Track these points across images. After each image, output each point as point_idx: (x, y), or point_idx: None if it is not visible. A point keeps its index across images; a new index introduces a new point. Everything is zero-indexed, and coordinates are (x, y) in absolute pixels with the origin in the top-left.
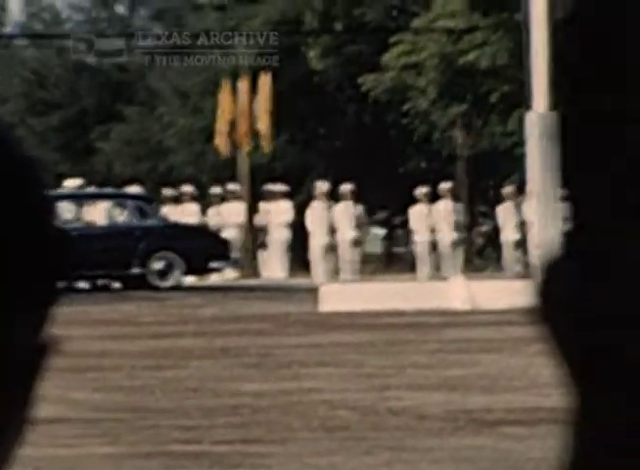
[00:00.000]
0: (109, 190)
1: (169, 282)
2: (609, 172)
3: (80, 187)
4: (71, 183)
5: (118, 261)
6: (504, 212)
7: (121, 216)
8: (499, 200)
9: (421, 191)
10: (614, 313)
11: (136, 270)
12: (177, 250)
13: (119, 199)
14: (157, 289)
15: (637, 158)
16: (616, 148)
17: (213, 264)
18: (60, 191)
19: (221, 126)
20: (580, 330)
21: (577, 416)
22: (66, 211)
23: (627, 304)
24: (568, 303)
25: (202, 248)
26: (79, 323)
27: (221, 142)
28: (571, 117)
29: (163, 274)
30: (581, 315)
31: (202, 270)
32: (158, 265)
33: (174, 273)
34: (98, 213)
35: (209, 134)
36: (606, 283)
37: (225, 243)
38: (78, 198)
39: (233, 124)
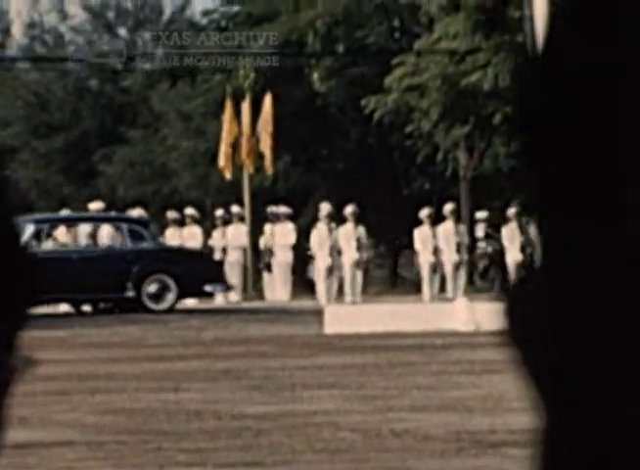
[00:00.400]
0: (104, 213)
1: (163, 305)
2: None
3: (100, 210)
4: (95, 206)
5: (113, 285)
6: (508, 233)
7: (117, 239)
8: (503, 221)
9: (424, 212)
10: (576, 330)
11: (130, 293)
12: (171, 273)
13: (115, 222)
14: (151, 312)
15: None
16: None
17: (207, 288)
18: (54, 215)
19: (224, 149)
20: (544, 346)
21: (546, 436)
22: (61, 234)
23: (588, 319)
24: (532, 320)
25: (196, 271)
26: (81, 346)
27: (225, 164)
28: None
29: (157, 297)
30: (545, 331)
31: (196, 293)
32: (152, 288)
33: (168, 296)
34: (92, 237)
35: (213, 156)
36: (567, 300)
37: (220, 266)
38: (73, 221)
39: (236, 146)
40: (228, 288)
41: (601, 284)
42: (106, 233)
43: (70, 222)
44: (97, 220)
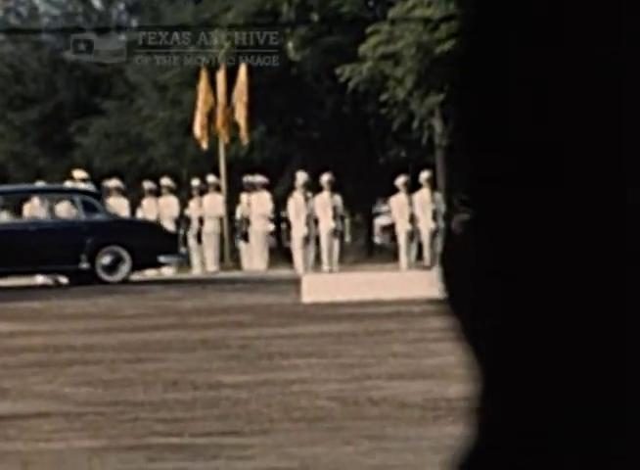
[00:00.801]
0: (58, 185)
1: (117, 277)
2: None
3: (84, 180)
4: (79, 175)
5: (67, 257)
6: None
7: (71, 212)
8: None
9: (400, 180)
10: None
11: (84, 265)
12: (125, 244)
13: (68, 194)
14: (105, 283)
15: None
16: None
17: (162, 259)
18: (5, 187)
19: (200, 119)
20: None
21: (482, 402)
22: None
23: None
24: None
25: (150, 242)
26: (58, 318)
27: (200, 134)
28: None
29: (111, 269)
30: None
31: (150, 265)
32: (105, 260)
33: (122, 268)
34: (45, 209)
35: (189, 127)
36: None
37: (174, 238)
38: (26, 193)
39: (211, 117)
40: (183, 259)
41: (534, 242)
42: (59, 205)
43: (23, 195)
44: (50, 193)
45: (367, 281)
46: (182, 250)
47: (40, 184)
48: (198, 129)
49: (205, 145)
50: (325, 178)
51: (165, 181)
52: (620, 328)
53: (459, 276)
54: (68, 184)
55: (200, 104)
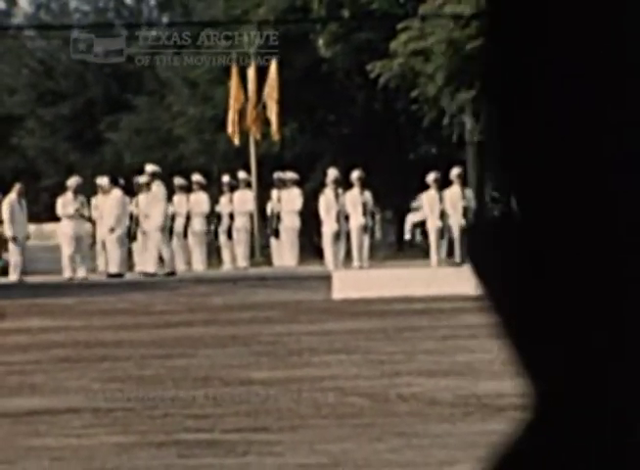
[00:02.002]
0: None
1: None
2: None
3: (154, 174)
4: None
5: None
6: None
7: None
8: None
9: (431, 177)
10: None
11: None
12: None
13: None
14: None
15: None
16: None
17: None
18: None
19: (232, 115)
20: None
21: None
22: None
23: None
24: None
25: None
26: (88, 313)
27: (232, 131)
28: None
29: None
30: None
31: None
32: None
33: None
34: None
35: (220, 123)
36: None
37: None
38: None
39: (242, 113)
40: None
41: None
42: None
43: None
44: None
45: (397, 277)
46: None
47: (74, 179)
48: (230, 126)
49: (237, 141)
50: (355, 175)
51: (196, 177)
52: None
53: (490, 271)
54: (99, 180)
55: (231, 101)
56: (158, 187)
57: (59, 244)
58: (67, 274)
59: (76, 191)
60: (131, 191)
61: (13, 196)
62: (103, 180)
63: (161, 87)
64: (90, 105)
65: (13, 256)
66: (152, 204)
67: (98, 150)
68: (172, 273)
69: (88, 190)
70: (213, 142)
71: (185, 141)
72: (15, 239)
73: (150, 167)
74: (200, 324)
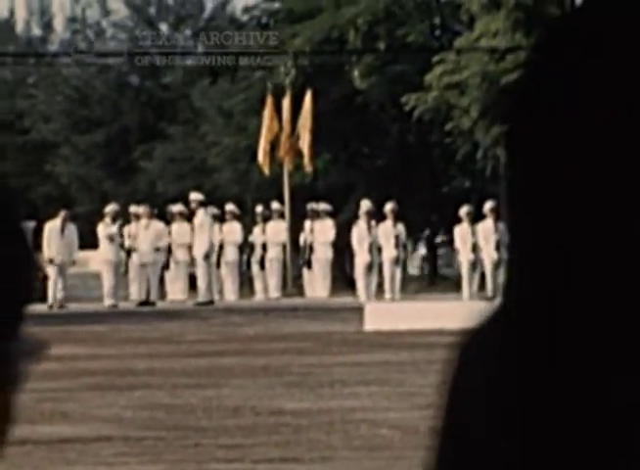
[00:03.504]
0: None
1: None
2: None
3: (202, 203)
4: (194, 197)
5: None
6: None
7: None
8: None
9: (464, 210)
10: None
11: None
12: None
13: None
14: None
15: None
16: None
17: None
18: None
19: (263, 145)
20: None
21: None
22: None
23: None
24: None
25: None
26: (121, 342)
27: (263, 161)
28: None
29: None
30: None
31: None
32: None
33: None
34: None
35: (254, 153)
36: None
37: None
38: None
39: (276, 143)
40: None
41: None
42: None
43: None
44: None
45: (429, 310)
46: None
47: (111, 206)
48: (261, 156)
49: (267, 171)
50: (388, 207)
51: (230, 207)
52: None
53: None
54: (132, 208)
55: (264, 130)
56: (203, 215)
57: (90, 271)
58: (108, 302)
59: (114, 218)
60: (165, 220)
61: (57, 221)
62: (138, 209)
63: (196, 116)
64: (124, 133)
65: (50, 279)
66: (197, 232)
67: (131, 178)
68: (210, 302)
69: (121, 218)
70: (247, 172)
71: (219, 171)
72: (51, 261)
73: (194, 195)
74: (231, 354)
